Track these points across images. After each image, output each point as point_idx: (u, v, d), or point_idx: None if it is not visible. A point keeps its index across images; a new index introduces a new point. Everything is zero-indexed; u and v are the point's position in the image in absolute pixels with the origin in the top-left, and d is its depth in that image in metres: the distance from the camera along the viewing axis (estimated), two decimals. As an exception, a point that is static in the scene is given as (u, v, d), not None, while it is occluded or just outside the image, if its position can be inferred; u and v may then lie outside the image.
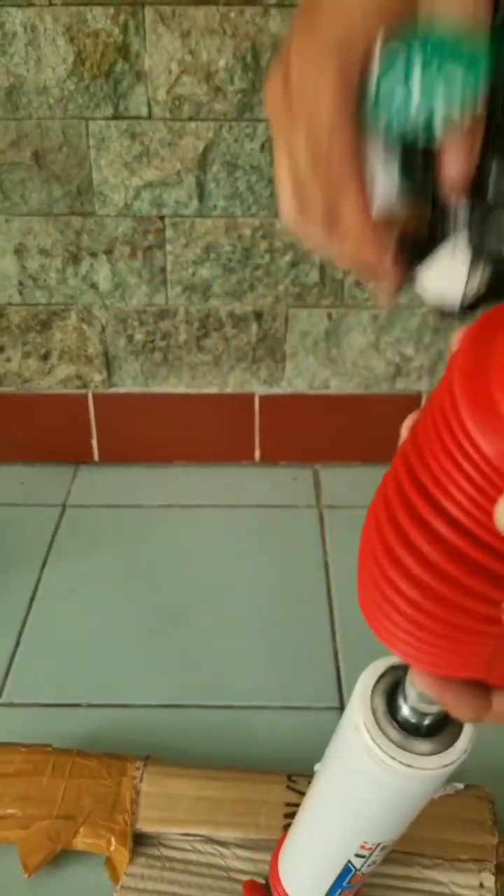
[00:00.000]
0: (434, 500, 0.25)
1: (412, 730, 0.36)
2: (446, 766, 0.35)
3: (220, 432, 1.00)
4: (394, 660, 0.38)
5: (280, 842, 0.51)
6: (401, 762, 0.35)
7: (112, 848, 0.59)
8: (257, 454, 1.01)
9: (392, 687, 0.37)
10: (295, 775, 0.62)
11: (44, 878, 0.58)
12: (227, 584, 0.84)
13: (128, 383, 0.98)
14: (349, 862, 0.44)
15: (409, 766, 0.35)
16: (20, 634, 0.79)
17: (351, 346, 0.95)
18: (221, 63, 0.80)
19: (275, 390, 0.97)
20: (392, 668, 0.38)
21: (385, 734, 0.36)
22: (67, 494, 0.97)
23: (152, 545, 0.90)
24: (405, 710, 0.36)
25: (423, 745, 0.36)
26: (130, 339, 0.95)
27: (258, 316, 0.93)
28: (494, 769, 0.66)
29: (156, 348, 0.96)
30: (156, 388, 0.98)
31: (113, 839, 0.59)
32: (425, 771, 0.35)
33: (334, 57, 0.31)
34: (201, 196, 0.86)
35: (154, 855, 0.59)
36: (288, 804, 0.60)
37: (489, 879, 0.57)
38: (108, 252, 0.90)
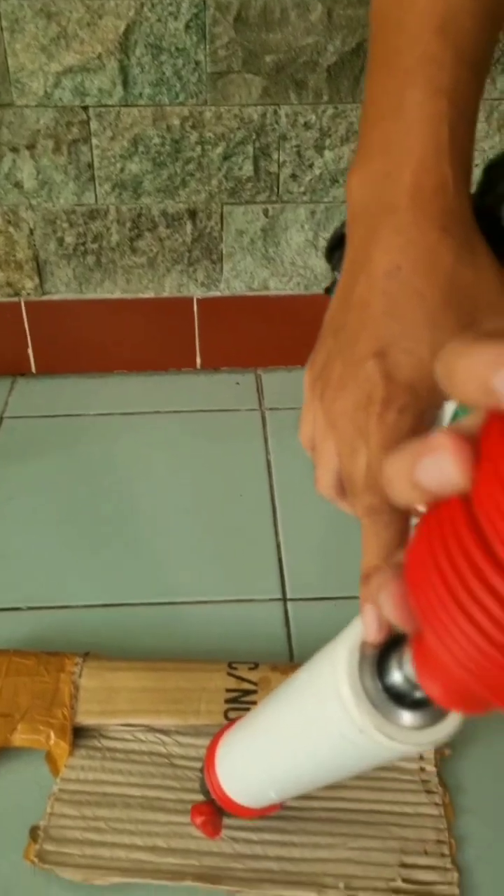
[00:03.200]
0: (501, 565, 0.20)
1: (399, 698, 0.31)
2: (434, 741, 0.31)
3: (159, 339, 0.97)
4: None
5: (217, 737, 0.50)
6: (381, 732, 0.30)
7: (51, 742, 0.58)
8: (198, 360, 0.99)
9: (389, 644, 0.31)
10: (235, 662, 0.62)
11: (-18, 773, 0.58)
12: (169, 486, 0.83)
13: (61, 290, 0.94)
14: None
15: (389, 737, 0.30)
16: (-44, 545, 0.77)
17: (289, 244, 0.92)
18: None
19: (213, 293, 0.94)
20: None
21: (369, 697, 0.31)
22: (5, 406, 0.94)
23: (93, 453, 0.88)
24: (397, 677, 0.30)
25: (409, 717, 0.31)
26: (61, 242, 0.91)
27: (192, 214, 0.90)
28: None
29: (88, 251, 0.92)
30: (90, 295, 0.94)
31: (52, 733, 0.58)
32: (405, 745, 0.31)
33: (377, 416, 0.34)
34: (125, 83, 0.82)
35: (95, 747, 0.59)
36: (228, 690, 0.60)
37: (428, 751, 0.57)
38: (31, 147, 0.85)
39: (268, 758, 0.42)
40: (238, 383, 0.97)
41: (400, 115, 0.36)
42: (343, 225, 0.41)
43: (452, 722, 0.31)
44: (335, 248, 0.45)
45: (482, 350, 0.19)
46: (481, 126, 0.87)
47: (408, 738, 0.31)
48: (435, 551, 0.22)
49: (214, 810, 0.50)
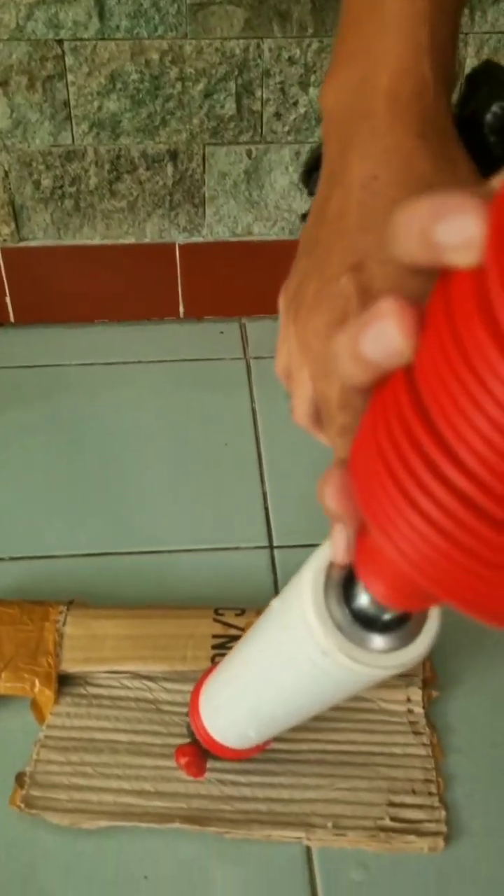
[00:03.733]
0: (447, 446, 0.18)
1: (367, 622, 0.30)
2: (397, 667, 0.30)
3: (141, 287, 0.95)
4: None
5: (201, 681, 0.49)
6: (347, 655, 0.30)
7: (36, 690, 0.57)
8: (181, 309, 0.97)
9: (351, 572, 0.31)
10: (222, 609, 0.61)
11: (-34, 721, 0.57)
12: (153, 435, 0.81)
13: (39, 236, 0.91)
14: None
15: (355, 660, 0.30)
16: None
17: (273, 187, 0.89)
18: None
19: (195, 239, 0.92)
20: None
21: (334, 621, 0.30)
22: (-18, 358, 0.92)
23: (76, 402, 0.86)
24: (364, 600, 0.30)
25: (379, 640, 0.30)
26: (37, 185, 0.88)
27: (173, 155, 0.87)
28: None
29: (66, 195, 0.89)
30: (69, 241, 0.91)
31: (37, 681, 0.57)
32: (372, 669, 0.30)
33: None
34: (101, 14, 0.78)
35: (80, 694, 0.58)
36: (215, 636, 0.59)
37: (416, 693, 0.57)
38: (4, 84, 0.81)
39: (244, 693, 0.42)
40: (222, 332, 0.96)
41: (377, 17, 0.33)
42: (320, 145, 0.39)
43: (422, 644, 0.30)
44: (312, 171, 0.43)
45: (424, 201, 0.17)
46: (470, 62, 0.84)
47: (375, 661, 0.30)
48: (378, 434, 0.21)
49: (199, 751, 0.50)
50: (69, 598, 0.63)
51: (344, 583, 0.30)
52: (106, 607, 0.62)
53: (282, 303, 0.38)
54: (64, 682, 0.58)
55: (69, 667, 0.58)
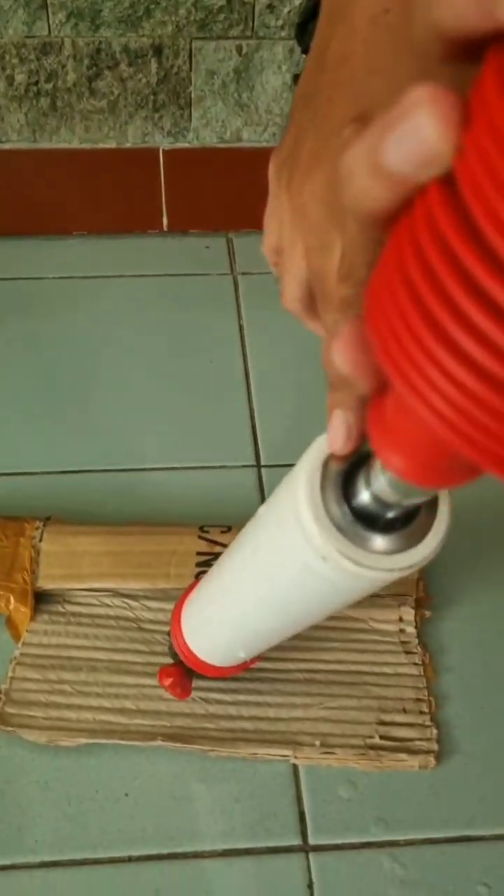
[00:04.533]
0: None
1: (369, 521, 0.27)
2: (404, 569, 0.27)
3: (122, 196, 0.89)
4: None
5: (182, 599, 0.47)
6: (347, 558, 0.26)
7: (11, 607, 0.55)
8: (165, 222, 0.92)
9: (354, 463, 0.27)
10: (207, 526, 0.59)
11: None
12: (135, 352, 0.77)
13: (13, 138, 0.85)
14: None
15: (356, 563, 0.26)
16: None
17: (264, 88, 0.84)
18: None
19: (180, 144, 0.86)
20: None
21: (333, 522, 0.27)
22: (-47, 270, 0.87)
23: (53, 318, 0.82)
24: (364, 496, 0.26)
25: (382, 541, 0.27)
26: (11, 81, 0.82)
27: (157, 50, 0.81)
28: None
29: (41, 93, 0.83)
30: (45, 144, 0.86)
31: (12, 598, 0.55)
32: (375, 572, 0.27)
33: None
34: None
35: (58, 612, 0.56)
36: (199, 553, 0.57)
37: (409, 613, 0.55)
38: (-28, -36, 0.75)
39: (230, 607, 0.39)
40: (208, 247, 0.91)
41: None
42: None
43: (430, 544, 0.27)
44: (308, 21, 0.38)
45: None
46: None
47: (379, 563, 0.26)
48: (405, 265, 0.17)
49: (183, 672, 0.48)
50: (46, 514, 0.60)
51: (342, 480, 0.27)
52: (85, 524, 0.60)
53: (272, 170, 0.34)
54: (41, 600, 0.56)
55: (46, 584, 0.56)
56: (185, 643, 0.46)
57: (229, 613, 0.40)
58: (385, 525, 0.27)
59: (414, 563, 0.27)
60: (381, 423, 0.22)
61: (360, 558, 0.27)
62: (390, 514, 0.26)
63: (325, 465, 0.27)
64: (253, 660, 0.47)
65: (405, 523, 0.27)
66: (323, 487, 0.27)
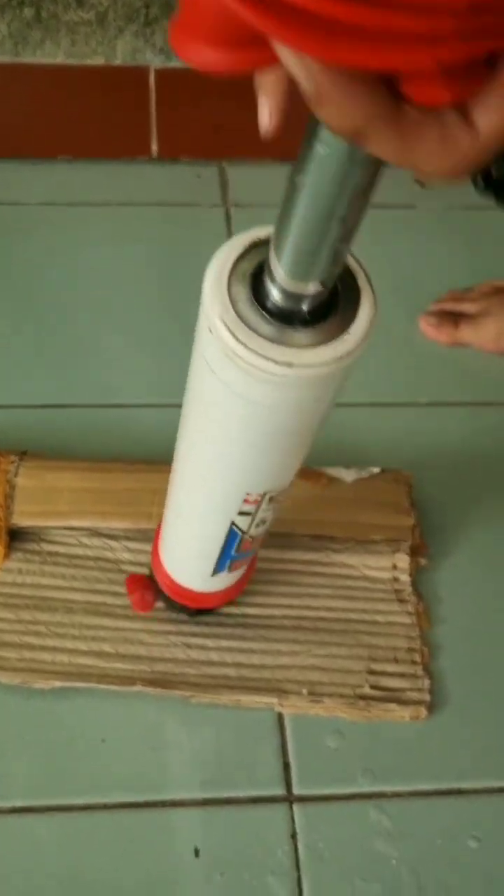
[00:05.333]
0: None
1: (287, 319, 0.26)
2: (339, 359, 0.26)
3: (109, 118, 0.84)
4: (259, 233, 0.27)
5: (159, 526, 0.44)
6: (276, 361, 0.25)
7: (-16, 544, 0.52)
8: (154, 147, 0.86)
9: (258, 270, 0.27)
10: (193, 464, 0.56)
11: None
12: (119, 284, 0.73)
13: (-8, 50, 0.80)
14: (233, 525, 0.37)
15: (288, 364, 0.25)
16: None
17: None
18: None
19: (174, 63, 0.81)
20: (256, 246, 0.27)
21: (251, 328, 0.26)
22: None
23: (33, 246, 0.77)
24: (274, 294, 0.26)
25: (304, 335, 0.26)
26: (-9, -14, 0.76)
27: (151, -43, 0.75)
28: (413, 453, 0.61)
29: (24, 2, 0.77)
30: (28, 58, 0.80)
31: (-15, 534, 0.52)
32: (310, 369, 0.26)
33: None
34: None
35: (34, 550, 0.53)
36: (185, 492, 0.54)
37: (403, 560, 0.53)
38: None
39: (186, 469, 0.37)
40: (199, 176, 0.86)
41: None
42: None
43: (357, 332, 0.26)
44: None
45: None
46: None
47: (302, 358, 0.26)
48: None
49: (149, 583, 0.46)
50: (22, 450, 0.57)
51: (253, 284, 0.27)
52: (63, 459, 0.56)
53: None
54: (15, 538, 0.53)
55: (21, 520, 0.53)
56: (163, 570, 0.44)
57: (188, 480, 0.37)
58: (305, 320, 0.26)
59: (348, 350, 0.26)
60: (181, 23, 0.19)
61: (280, 355, 0.26)
62: (305, 307, 0.26)
63: (231, 271, 0.27)
64: (236, 586, 0.45)
65: (325, 315, 0.26)
66: (232, 293, 0.27)
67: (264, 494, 0.35)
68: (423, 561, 0.53)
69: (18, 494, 0.53)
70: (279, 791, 0.43)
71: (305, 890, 0.40)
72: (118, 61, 0.80)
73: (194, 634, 0.49)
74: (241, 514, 0.36)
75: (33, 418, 0.62)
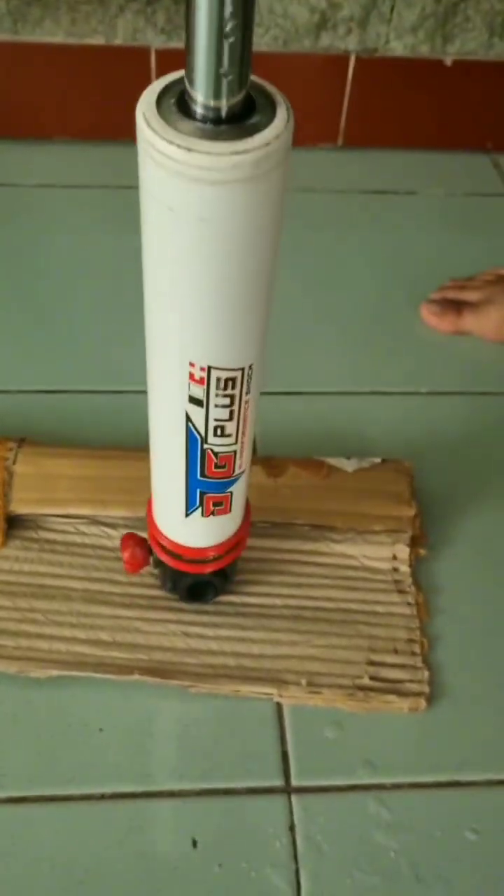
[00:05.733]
0: None
1: (212, 122, 0.28)
2: (238, 153, 0.27)
3: (109, 99, 0.83)
4: (173, 76, 0.30)
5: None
6: (178, 145, 0.27)
7: (-19, 530, 0.51)
8: (155, 130, 0.85)
9: (179, 98, 0.29)
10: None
11: None
12: (119, 268, 0.72)
13: (-9, 28, 0.78)
14: (189, 422, 0.37)
15: (187, 149, 0.27)
16: None
17: (268, -15, 0.77)
18: None
19: (175, 44, 0.80)
20: (172, 87, 0.30)
21: (169, 125, 0.28)
22: None
23: (31, 227, 0.76)
24: (195, 111, 0.28)
25: (226, 132, 0.28)
26: (-11, -38, 0.74)
27: None
28: (413, 442, 0.60)
29: (23, -22, 0.75)
30: (27, 37, 0.78)
31: (-18, 521, 0.51)
32: (210, 158, 0.27)
33: None
34: None
35: (31, 538, 0.52)
36: (184, 481, 0.53)
37: (403, 551, 0.52)
38: None
39: (149, 363, 0.38)
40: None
41: None
42: None
43: (264, 136, 0.28)
44: None
45: None
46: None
47: (202, 147, 0.27)
48: None
49: (142, 541, 0.47)
50: (19, 435, 0.57)
51: (176, 107, 0.29)
52: (61, 446, 0.56)
53: None
54: (13, 525, 0.52)
55: (19, 508, 0.52)
56: (151, 518, 0.45)
57: (149, 365, 0.38)
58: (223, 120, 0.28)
59: (267, 141, 0.28)
60: None
61: (209, 148, 0.27)
62: (224, 108, 0.28)
63: (158, 99, 0.29)
64: (237, 538, 0.45)
65: (242, 118, 0.28)
66: (160, 108, 0.29)
67: (209, 371, 0.34)
68: (423, 552, 0.53)
69: (16, 482, 0.53)
70: (278, 782, 0.43)
71: (304, 881, 0.40)
72: (118, 41, 0.79)
73: (193, 623, 0.49)
74: (193, 401, 0.36)
75: (31, 403, 0.62)
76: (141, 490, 0.53)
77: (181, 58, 0.86)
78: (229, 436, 0.38)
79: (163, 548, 0.45)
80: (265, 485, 0.54)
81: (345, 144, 0.87)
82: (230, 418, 0.37)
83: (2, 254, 0.74)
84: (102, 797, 0.42)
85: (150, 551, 0.47)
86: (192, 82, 0.28)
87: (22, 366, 0.64)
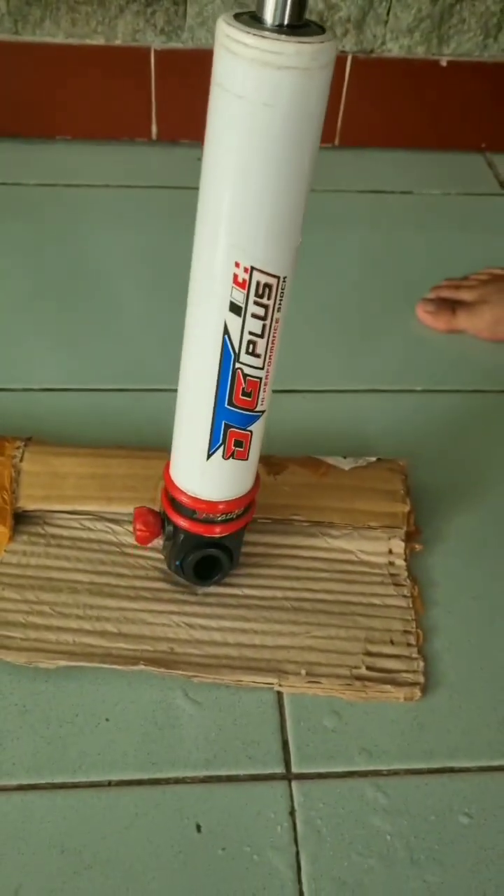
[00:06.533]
0: None
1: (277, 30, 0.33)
2: (303, 53, 0.32)
3: (109, 100, 0.84)
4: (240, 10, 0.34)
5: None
6: (262, 36, 0.31)
7: (-11, 526, 0.53)
8: (154, 130, 0.86)
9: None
10: (195, 450, 0.56)
11: None
12: (124, 264, 0.74)
13: (-8, 28, 0.79)
14: (226, 333, 0.39)
15: (275, 39, 0.31)
16: None
17: (267, -13, 0.78)
18: None
19: (174, 44, 0.81)
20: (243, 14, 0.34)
21: (245, 25, 0.32)
22: None
23: (36, 226, 0.77)
24: (267, 18, 0.33)
25: (289, 33, 0.32)
26: (-9, -37, 0.75)
27: None
28: (408, 440, 0.62)
29: (24, -21, 0.76)
30: (28, 37, 0.79)
31: (-10, 517, 0.53)
32: (290, 44, 0.31)
33: None
34: None
35: (38, 533, 0.54)
36: (187, 477, 0.55)
37: (398, 546, 0.54)
38: None
39: (193, 270, 0.41)
40: (199, 160, 0.86)
41: None
42: None
43: (323, 39, 0.32)
44: None
45: None
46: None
47: (274, 46, 0.31)
48: None
49: (155, 514, 0.49)
50: (27, 433, 0.58)
51: (250, 18, 0.33)
52: (67, 445, 0.57)
53: None
54: (20, 521, 0.54)
55: (27, 504, 0.53)
56: (172, 483, 0.47)
57: (193, 271, 0.41)
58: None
59: (313, 41, 0.32)
60: None
61: (272, 36, 0.31)
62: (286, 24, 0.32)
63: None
64: (249, 494, 0.47)
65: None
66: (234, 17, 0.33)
67: (251, 274, 0.37)
68: (417, 546, 0.55)
69: (24, 479, 0.54)
70: (278, 769, 0.45)
71: (304, 864, 0.41)
72: (118, 41, 0.80)
73: (196, 615, 0.50)
74: (233, 308, 0.39)
75: (37, 402, 0.63)
76: (145, 487, 0.54)
77: (181, 58, 0.88)
78: (259, 356, 0.40)
79: (176, 508, 0.47)
80: (266, 482, 0.55)
81: (341, 144, 0.88)
82: (262, 335, 0.40)
83: (6, 251, 0.75)
84: (109, 784, 0.44)
85: (162, 523, 0.48)
86: (262, 5, 0.33)
87: (28, 363, 0.65)
